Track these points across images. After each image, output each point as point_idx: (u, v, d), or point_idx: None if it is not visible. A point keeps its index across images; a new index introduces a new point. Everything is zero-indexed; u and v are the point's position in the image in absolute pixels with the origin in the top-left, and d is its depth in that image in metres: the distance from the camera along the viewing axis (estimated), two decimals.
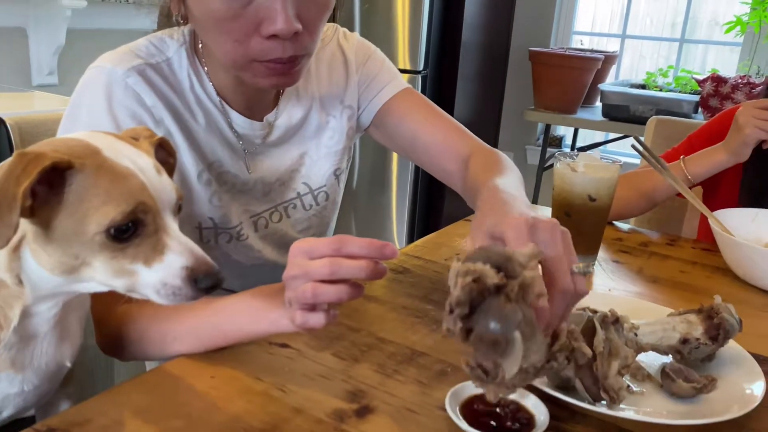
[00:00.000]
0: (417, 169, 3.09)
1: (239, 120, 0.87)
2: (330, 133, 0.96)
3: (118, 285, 0.56)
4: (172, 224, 0.56)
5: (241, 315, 0.67)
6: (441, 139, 0.94)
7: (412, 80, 2.98)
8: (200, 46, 0.84)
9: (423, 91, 3.04)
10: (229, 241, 0.89)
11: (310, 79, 0.95)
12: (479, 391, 0.62)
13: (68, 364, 0.65)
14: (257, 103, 0.89)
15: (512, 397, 0.62)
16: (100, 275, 0.55)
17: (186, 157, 0.83)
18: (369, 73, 0.98)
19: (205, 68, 0.84)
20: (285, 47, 0.73)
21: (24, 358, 0.60)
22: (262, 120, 0.89)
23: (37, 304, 0.58)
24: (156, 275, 0.54)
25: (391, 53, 3.01)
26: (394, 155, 3.06)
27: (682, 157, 1.23)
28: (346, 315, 0.82)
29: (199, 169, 0.84)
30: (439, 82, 3.15)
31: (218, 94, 0.85)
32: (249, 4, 0.71)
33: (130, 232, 0.53)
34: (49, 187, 0.52)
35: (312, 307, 0.60)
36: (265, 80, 0.77)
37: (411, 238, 3.25)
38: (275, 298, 0.65)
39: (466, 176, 0.87)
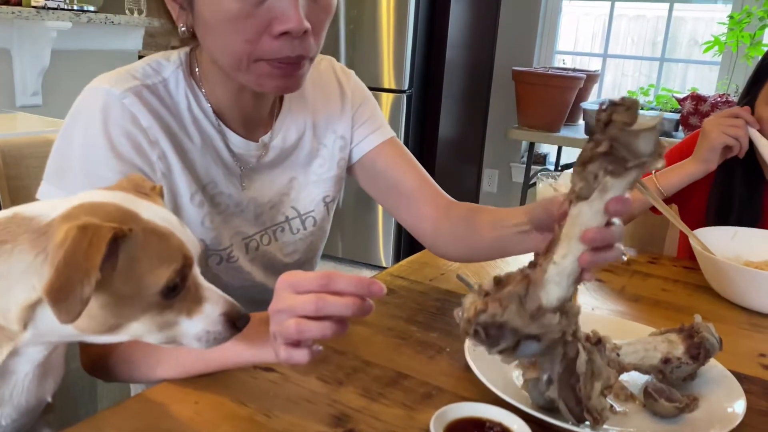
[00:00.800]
0: None
1: (236, 140, 0.87)
2: (320, 161, 0.97)
3: (158, 337, 0.57)
4: (199, 275, 0.59)
5: (225, 344, 0.67)
6: (422, 185, 0.98)
7: (398, 100, 3.01)
8: (197, 69, 0.84)
9: (408, 111, 3.07)
10: (219, 262, 0.89)
11: (306, 102, 0.96)
12: (464, 413, 0.63)
13: (49, 399, 0.64)
14: (253, 124, 0.89)
15: (497, 419, 0.62)
16: (143, 330, 0.56)
17: (180, 179, 0.83)
18: (363, 113, 1.00)
19: (203, 89, 0.85)
20: (294, 46, 0.75)
21: (2, 394, 0.59)
22: (257, 141, 0.90)
23: (29, 347, 0.57)
24: (199, 325, 0.58)
25: (376, 73, 3.04)
26: None
27: (653, 171, 1.25)
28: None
29: (192, 191, 0.84)
30: (423, 102, 3.17)
31: (215, 113, 0.86)
32: (261, 4, 0.72)
33: (179, 288, 0.56)
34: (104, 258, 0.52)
35: (296, 343, 0.61)
36: (269, 82, 0.78)
37: (397, 257, 3.26)
38: (259, 328, 0.65)
39: (476, 217, 0.91)
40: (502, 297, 0.61)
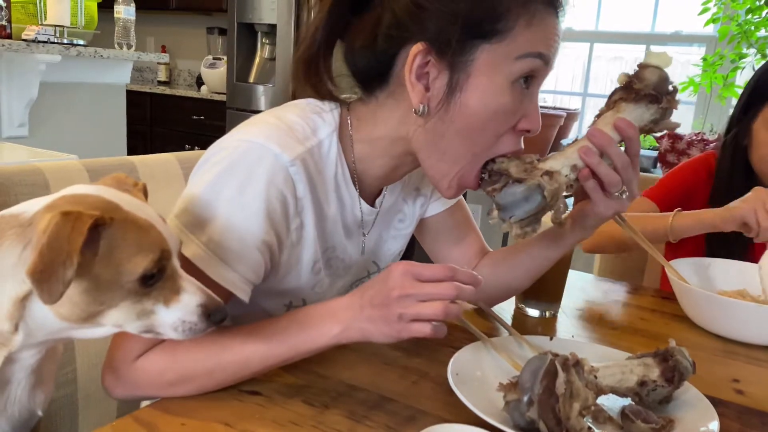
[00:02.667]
0: None
1: (366, 208, 0.88)
2: (401, 217, 0.97)
3: (136, 326, 0.60)
4: (178, 267, 0.62)
5: (299, 337, 0.72)
6: (476, 237, 1.04)
7: None
8: (350, 131, 0.83)
9: None
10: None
11: None
12: None
13: (40, 413, 0.65)
14: (375, 191, 0.90)
15: None
16: (122, 318, 0.59)
17: (307, 248, 0.82)
18: None
19: (351, 154, 0.83)
20: (521, 142, 0.80)
21: None
22: (373, 204, 0.90)
23: (22, 351, 0.59)
24: (175, 314, 0.60)
25: None
26: None
27: (676, 210, 1.24)
28: (315, 362, 0.83)
29: (315, 259, 0.84)
30: None
31: (354, 183, 0.85)
32: (522, 102, 0.76)
33: (156, 277, 0.58)
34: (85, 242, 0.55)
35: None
36: (456, 189, 0.81)
37: None
38: (329, 316, 0.72)
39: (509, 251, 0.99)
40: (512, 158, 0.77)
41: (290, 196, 0.77)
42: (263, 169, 0.74)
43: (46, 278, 0.51)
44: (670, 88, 0.77)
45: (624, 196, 0.80)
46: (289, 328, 0.73)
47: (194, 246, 0.73)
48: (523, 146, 0.80)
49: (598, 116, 0.79)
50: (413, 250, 1.08)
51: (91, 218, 0.53)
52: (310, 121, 0.81)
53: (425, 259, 1.06)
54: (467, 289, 0.67)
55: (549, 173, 0.75)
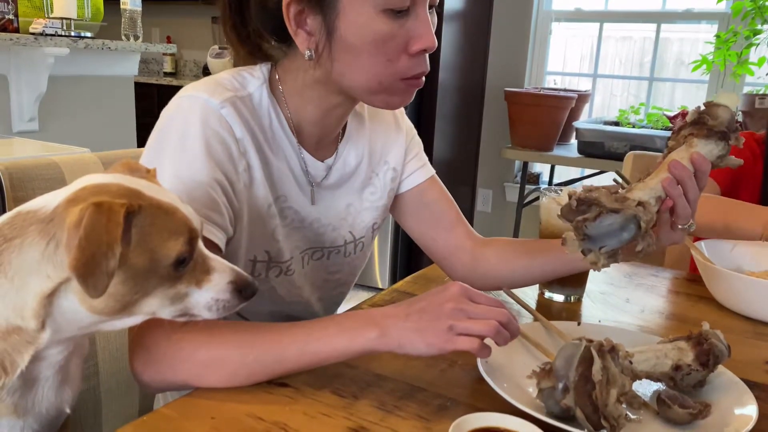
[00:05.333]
0: (397, 228, 3.12)
1: (308, 158, 0.91)
2: (372, 189, 1.00)
3: (171, 311, 0.60)
4: (203, 247, 0.62)
5: (336, 337, 0.71)
6: (460, 219, 1.06)
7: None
8: (279, 86, 0.88)
9: None
10: (278, 275, 0.92)
11: (365, 131, 0.99)
12: (481, 423, 0.63)
13: (68, 410, 0.65)
14: (322, 145, 0.93)
15: (514, 428, 0.63)
16: (157, 304, 0.58)
17: (261, 190, 0.86)
18: (414, 148, 1.06)
19: (284, 107, 0.88)
20: (424, 63, 0.82)
21: (26, 403, 0.60)
22: (323, 162, 0.93)
23: (50, 348, 0.58)
24: (208, 294, 0.60)
25: None
26: None
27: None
28: None
29: (268, 202, 0.87)
30: (417, 123, 3.20)
31: (293, 132, 0.89)
32: (403, 25, 0.78)
33: (187, 259, 0.58)
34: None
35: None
36: (398, 99, 0.84)
37: (394, 280, 3.26)
38: (368, 320, 0.72)
39: (526, 242, 1.03)
40: (600, 187, 0.77)
41: (228, 136, 0.81)
42: (195, 115, 0.79)
43: (90, 272, 0.51)
44: (736, 126, 0.80)
45: (692, 229, 0.83)
46: (328, 327, 0.72)
47: None
48: (428, 67, 0.82)
49: (669, 150, 0.81)
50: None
51: (122, 207, 0.53)
52: (239, 77, 0.86)
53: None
54: (515, 326, 0.71)
55: (642, 204, 0.75)
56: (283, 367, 0.72)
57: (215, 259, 0.62)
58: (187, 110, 0.80)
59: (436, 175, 1.07)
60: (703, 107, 0.80)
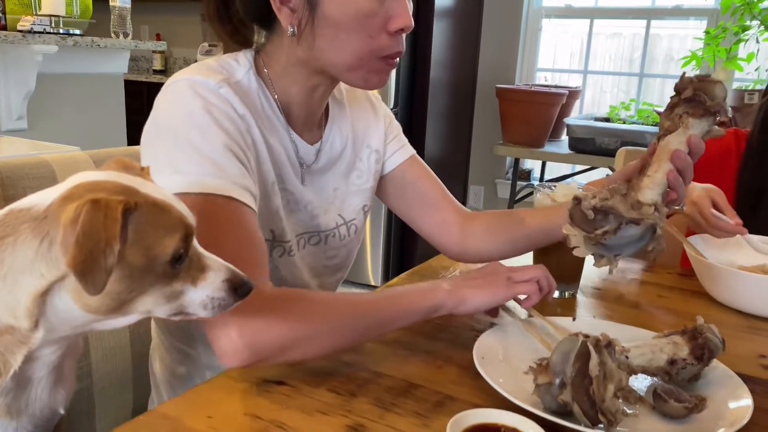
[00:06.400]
0: (390, 214, 3.11)
1: (298, 141, 0.93)
2: (358, 173, 1.02)
3: (166, 309, 0.59)
4: (198, 245, 0.61)
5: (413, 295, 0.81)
6: (445, 195, 1.08)
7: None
8: (264, 70, 0.89)
9: None
10: (282, 255, 0.93)
11: (346, 116, 1.01)
12: (479, 419, 0.63)
13: (62, 411, 0.64)
14: (309, 130, 0.95)
15: (512, 424, 0.63)
16: (152, 302, 0.57)
17: (266, 167, 0.87)
18: (393, 130, 1.08)
19: (272, 91, 0.89)
20: (401, 42, 0.85)
21: (19, 404, 0.59)
22: (312, 145, 0.95)
23: (43, 348, 0.57)
24: (204, 292, 0.60)
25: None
26: None
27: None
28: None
29: (272, 180, 0.89)
30: (409, 120, 3.20)
31: (282, 115, 0.91)
32: (383, 3, 0.81)
33: (183, 256, 0.58)
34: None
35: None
36: (376, 78, 0.86)
37: (386, 276, 3.26)
38: (437, 283, 0.83)
39: (512, 213, 1.07)
40: (609, 190, 0.76)
41: (232, 111, 0.82)
42: (196, 94, 0.79)
43: (88, 269, 0.50)
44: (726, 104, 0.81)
45: (684, 208, 0.85)
46: (406, 292, 0.82)
47: (166, 180, 0.72)
48: (403, 48, 0.85)
49: (666, 131, 0.80)
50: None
51: (120, 203, 0.52)
52: (225, 64, 0.87)
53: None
54: (552, 280, 0.86)
55: (657, 207, 0.76)
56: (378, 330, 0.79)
57: (210, 257, 0.62)
58: (187, 91, 0.80)
59: (417, 155, 1.10)
60: (696, 80, 0.79)
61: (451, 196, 1.09)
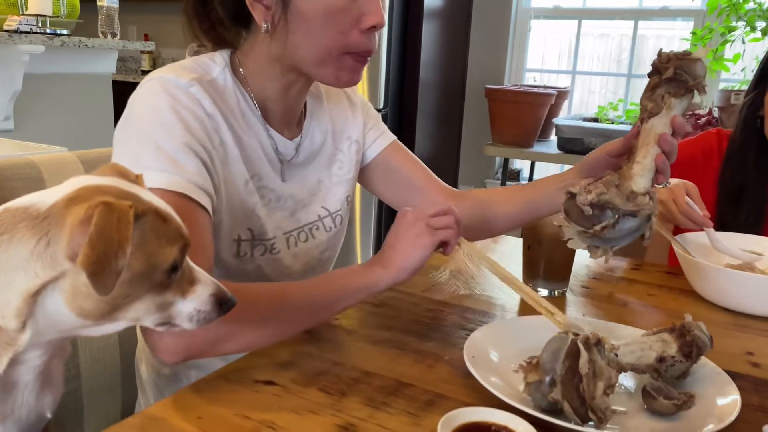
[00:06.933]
0: (380, 204, 3.12)
1: (277, 137, 0.93)
2: (339, 164, 1.04)
3: (154, 318, 0.59)
4: (188, 259, 0.62)
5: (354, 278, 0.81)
6: (430, 177, 1.10)
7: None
8: (240, 69, 0.90)
9: None
10: (263, 253, 0.93)
11: (324, 110, 1.03)
12: (470, 418, 0.63)
13: (48, 415, 0.64)
14: (288, 126, 0.96)
15: (503, 422, 0.63)
16: (143, 310, 0.58)
17: (235, 167, 0.88)
18: (371, 119, 1.10)
19: (248, 89, 0.90)
20: (373, 40, 0.85)
21: (5, 408, 0.58)
22: (291, 141, 0.96)
23: (28, 351, 0.57)
24: (191, 304, 0.60)
25: None
26: (357, 191, 3.08)
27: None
28: (328, 350, 0.82)
29: (245, 179, 0.89)
30: (399, 120, 3.20)
31: (260, 112, 0.92)
32: (355, 0, 0.82)
33: (180, 267, 0.59)
34: None
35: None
36: (345, 75, 0.86)
37: None
38: (369, 264, 0.81)
39: (496, 192, 1.11)
40: (603, 183, 0.76)
41: (200, 111, 0.82)
42: (165, 92, 0.81)
43: (100, 269, 0.50)
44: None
45: (668, 185, 0.84)
46: (341, 274, 0.82)
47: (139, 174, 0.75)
48: (376, 45, 0.86)
49: (649, 113, 0.80)
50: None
51: (131, 208, 0.53)
52: (202, 63, 0.89)
53: None
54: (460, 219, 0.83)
55: (651, 196, 0.77)
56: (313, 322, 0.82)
57: (199, 271, 0.63)
58: (157, 90, 0.81)
59: (399, 141, 1.11)
60: (676, 57, 0.78)
61: (437, 177, 1.11)
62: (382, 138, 1.09)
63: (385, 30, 2.93)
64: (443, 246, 0.83)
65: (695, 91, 0.78)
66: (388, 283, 0.80)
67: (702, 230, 1.15)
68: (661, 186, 0.84)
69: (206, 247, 0.77)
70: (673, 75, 0.78)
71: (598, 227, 0.75)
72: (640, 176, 0.78)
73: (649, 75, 0.81)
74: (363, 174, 1.09)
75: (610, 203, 0.75)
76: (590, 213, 0.75)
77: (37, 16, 2.44)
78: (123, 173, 0.62)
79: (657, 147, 0.79)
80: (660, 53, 0.79)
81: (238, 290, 0.72)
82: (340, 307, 0.82)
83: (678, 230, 1.22)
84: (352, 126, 1.06)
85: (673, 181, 1.19)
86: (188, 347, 0.72)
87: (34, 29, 2.40)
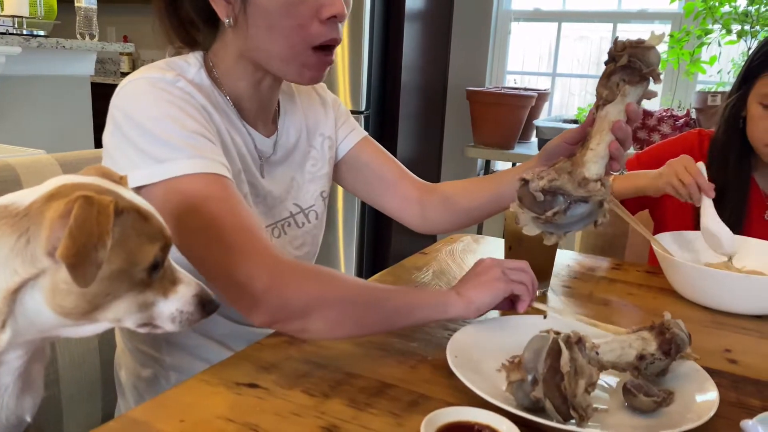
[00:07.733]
0: (363, 206, 3.11)
1: (255, 134, 0.94)
2: (313, 161, 1.05)
3: (135, 319, 0.59)
4: (170, 259, 0.62)
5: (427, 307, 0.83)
6: (401, 172, 1.12)
7: (356, 120, 3.03)
8: (214, 70, 0.90)
9: (366, 131, 3.09)
10: None
11: (297, 108, 1.04)
12: (453, 418, 0.64)
13: (28, 419, 0.63)
14: (264, 124, 0.97)
15: (486, 422, 0.63)
16: (124, 310, 0.57)
17: (231, 156, 0.88)
18: (342, 115, 1.11)
19: (222, 88, 0.90)
20: (336, 30, 0.85)
21: None
22: (269, 138, 0.97)
23: (8, 352, 0.56)
24: (173, 305, 0.60)
25: (334, 95, 3.06)
26: (340, 193, 3.08)
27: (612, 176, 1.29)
28: (311, 351, 0.82)
29: (238, 168, 0.90)
30: (381, 122, 3.20)
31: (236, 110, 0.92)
32: None
33: (159, 266, 0.58)
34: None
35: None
36: (311, 72, 0.87)
37: (360, 277, 3.25)
38: (446, 293, 0.85)
39: (466, 183, 1.12)
40: (555, 169, 0.77)
41: (195, 102, 0.83)
42: (157, 89, 0.80)
43: (80, 261, 0.50)
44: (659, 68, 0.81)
45: (624, 173, 0.85)
46: (417, 290, 0.87)
47: (147, 172, 0.76)
48: (341, 35, 0.86)
49: (604, 101, 0.81)
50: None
51: (111, 203, 0.52)
52: (176, 64, 0.88)
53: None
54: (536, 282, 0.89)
55: (602, 183, 0.77)
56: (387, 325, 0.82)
57: (181, 272, 0.63)
58: (146, 88, 0.80)
59: (370, 137, 1.13)
60: (630, 46, 0.79)
61: (409, 171, 1.12)
62: (353, 134, 1.10)
63: (366, 33, 2.93)
64: (515, 302, 0.87)
65: (650, 78, 0.79)
66: (458, 311, 0.82)
67: (683, 230, 1.17)
68: (616, 173, 0.85)
69: (254, 214, 0.80)
70: (627, 62, 0.78)
71: (549, 213, 0.76)
72: (593, 162, 0.79)
73: (606, 63, 0.82)
74: (335, 170, 1.10)
75: (562, 189, 0.76)
76: (542, 199, 0.76)
77: (13, 17, 2.41)
78: (107, 174, 0.62)
79: (611, 134, 0.80)
80: (615, 41, 0.80)
81: (329, 270, 0.77)
82: (412, 318, 0.82)
83: (657, 230, 1.23)
84: (324, 123, 1.07)
85: (672, 160, 1.22)
86: (279, 306, 0.74)
87: (11, 30, 2.37)
